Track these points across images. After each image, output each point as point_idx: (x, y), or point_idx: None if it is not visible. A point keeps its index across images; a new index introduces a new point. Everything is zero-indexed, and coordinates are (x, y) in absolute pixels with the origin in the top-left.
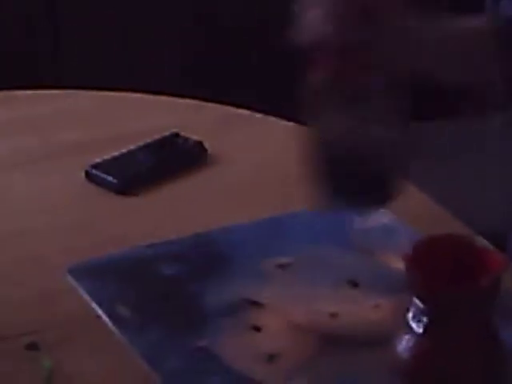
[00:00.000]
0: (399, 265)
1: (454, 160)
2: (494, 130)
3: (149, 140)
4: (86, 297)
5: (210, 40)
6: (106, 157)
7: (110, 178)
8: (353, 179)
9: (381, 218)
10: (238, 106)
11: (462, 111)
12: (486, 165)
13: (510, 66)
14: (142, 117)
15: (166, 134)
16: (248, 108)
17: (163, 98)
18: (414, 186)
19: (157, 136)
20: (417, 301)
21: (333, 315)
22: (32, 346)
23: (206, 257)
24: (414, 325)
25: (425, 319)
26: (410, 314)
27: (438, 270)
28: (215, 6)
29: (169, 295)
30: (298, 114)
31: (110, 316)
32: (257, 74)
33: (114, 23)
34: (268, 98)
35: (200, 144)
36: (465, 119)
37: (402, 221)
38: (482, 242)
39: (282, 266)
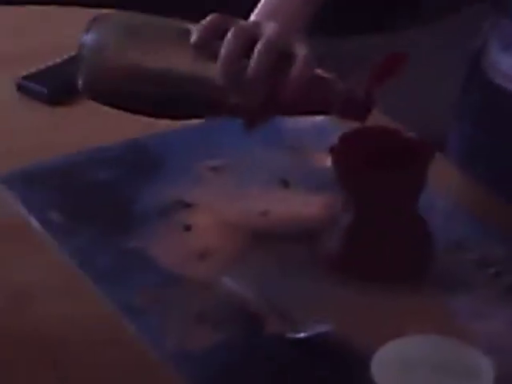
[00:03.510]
0: (330, 163)
1: None
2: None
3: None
4: (18, 204)
5: None
6: (37, 68)
7: (41, 89)
8: None
9: (312, 117)
10: None
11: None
12: (423, 69)
13: None
14: (73, 28)
15: None
16: None
17: (94, 11)
18: None
19: None
20: (345, 193)
21: (263, 213)
22: None
23: (138, 161)
24: (341, 217)
25: (352, 211)
26: (339, 208)
27: (365, 160)
28: None
29: (101, 200)
30: None
31: (41, 222)
32: None
33: None
34: None
35: None
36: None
37: (333, 120)
38: (410, 134)
39: (214, 169)
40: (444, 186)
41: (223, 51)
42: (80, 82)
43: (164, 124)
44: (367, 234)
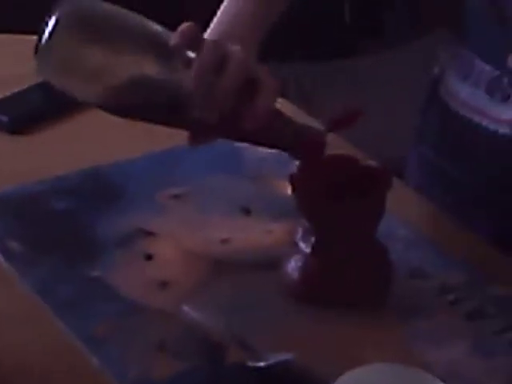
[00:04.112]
0: (290, 191)
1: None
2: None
3: (40, 80)
4: None
5: None
6: None
7: (2, 117)
8: None
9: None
10: None
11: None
12: (384, 94)
13: None
14: (33, 57)
15: None
16: None
17: None
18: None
19: None
20: (304, 221)
21: (224, 241)
22: None
23: (98, 190)
24: (302, 245)
25: (312, 238)
26: (299, 235)
27: (324, 189)
28: None
29: (61, 229)
30: None
31: (1, 251)
32: None
33: None
34: None
35: None
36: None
37: None
38: (369, 162)
39: (175, 197)
40: (404, 213)
41: (200, 60)
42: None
43: (124, 152)
44: (327, 261)
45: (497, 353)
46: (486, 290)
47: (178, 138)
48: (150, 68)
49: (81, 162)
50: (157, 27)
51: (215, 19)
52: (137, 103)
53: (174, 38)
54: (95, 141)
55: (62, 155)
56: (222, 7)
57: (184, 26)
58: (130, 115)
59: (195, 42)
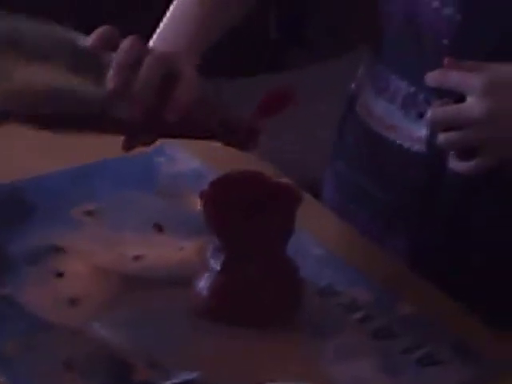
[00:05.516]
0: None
1: None
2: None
3: None
4: None
5: None
6: None
7: None
8: None
9: (189, 162)
10: None
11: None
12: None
13: None
14: None
15: None
16: None
17: None
18: None
19: None
20: (214, 238)
21: (136, 258)
22: None
23: (11, 206)
24: (212, 262)
25: (222, 256)
26: (209, 253)
27: (234, 206)
28: None
29: None
30: None
31: None
32: None
33: None
34: None
35: None
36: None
37: (210, 166)
38: (280, 179)
39: (89, 213)
40: (317, 230)
41: (116, 59)
42: None
43: (38, 168)
44: (236, 279)
45: (403, 372)
46: (394, 308)
47: (94, 154)
48: (66, 77)
49: None
50: (78, 37)
51: (162, 23)
52: (57, 113)
53: (89, 40)
54: (8, 156)
55: None
56: (171, 9)
57: (100, 28)
58: (49, 126)
59: (111, 42)
